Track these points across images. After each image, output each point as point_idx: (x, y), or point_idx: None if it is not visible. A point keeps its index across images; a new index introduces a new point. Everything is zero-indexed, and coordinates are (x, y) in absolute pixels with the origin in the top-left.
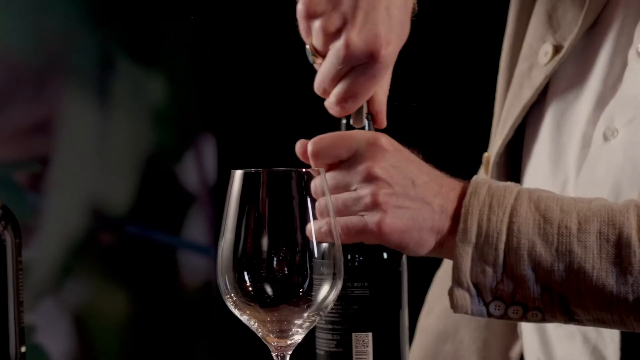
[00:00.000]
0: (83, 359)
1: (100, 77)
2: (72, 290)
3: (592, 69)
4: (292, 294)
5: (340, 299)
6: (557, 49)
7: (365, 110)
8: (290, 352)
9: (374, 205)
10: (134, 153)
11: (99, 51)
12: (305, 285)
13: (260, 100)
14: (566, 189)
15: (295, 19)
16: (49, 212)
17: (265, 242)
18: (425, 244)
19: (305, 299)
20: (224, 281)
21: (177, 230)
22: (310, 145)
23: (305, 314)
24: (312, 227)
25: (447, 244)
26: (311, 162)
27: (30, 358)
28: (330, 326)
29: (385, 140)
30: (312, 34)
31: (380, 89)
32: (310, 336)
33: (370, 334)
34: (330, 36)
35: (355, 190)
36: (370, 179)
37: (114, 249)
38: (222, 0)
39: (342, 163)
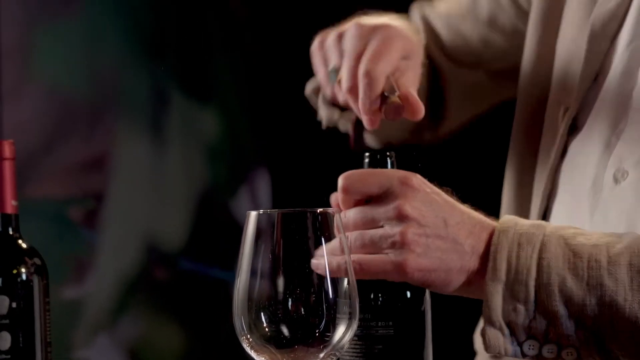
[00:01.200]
0: None
1: (153, 113)
2: (127, 326)
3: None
4: (308, 334)
5: (364, 338)
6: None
7: (394, 84)
8: None
9: (402, 244)
10: (188, 188)
11: (152, 87)
12: (322, 326)
13: (314, 135)
14: None
15: None
16: (104, 248)
17: (280, 283)
18: (452, 284)
19: (321, 340)
20: (240, 322)
21: (232, 265)
22: (341, 180)
23: (322, 355)
24: (325, 263)
25: (475, 282)
26: (340, 197)
27: None
28: None
29: (417, 180)
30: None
31: (405, 78)
32: None
33: None
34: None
35: (383, 227)
36: (400, 217)
37: (169, 284)
38: (273, 36)
39: (372, 199)
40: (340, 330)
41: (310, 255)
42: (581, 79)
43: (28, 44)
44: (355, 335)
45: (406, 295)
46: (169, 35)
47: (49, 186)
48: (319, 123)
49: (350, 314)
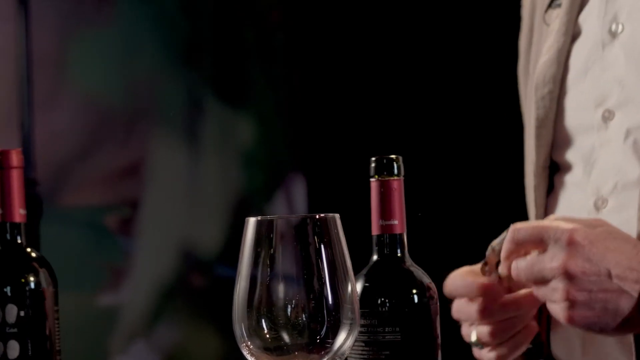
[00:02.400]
0: None
1: (189, 120)
2: (163, 332)
3: None
4: (309, 341)
5: (371, 344)
6: None
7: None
8: None
9: (565, 300)
10: (223, 194)
11: (187, 94)
12: (323, 333)
13: (349, 140)
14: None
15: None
16: (140, 255)
17: (280, 289)
18: (622, 327)
19: (322, 347)
20: (240, 329)
21: None
22: (511, 232)
23: None
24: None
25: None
26: (508, 247)
27: None
28: None
29: (580, 235)
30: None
31: None
32: None
33: None
34: None
35: (550, 281)
36: (565, 275)
37: (205, 290)
38: (308, 42)
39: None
40: (341, 336)
41: (311, 262)
42: None
43: (63, 53)
44: (362, 341)
45: (413, 300)
46: (204, 43)
47: (85, 194)
48: (354, 127)
49: (351, 320)
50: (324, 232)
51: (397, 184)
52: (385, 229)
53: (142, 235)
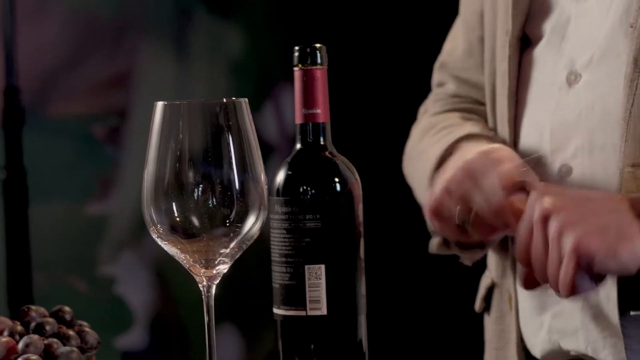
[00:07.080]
0: (163, 309)
1: (177, 30)
2: (152, 242)
3: None
4: (217, 224)
5: (292, 231)
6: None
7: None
8: (216, 282)
9: (562, 231)
10: None
11: (175, 3)
12: (232, 217)
13: (339, 49)
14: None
15: None
16: (128, 165)
17: (189, 174)
18: (631, 241)
19: (230, 230)
20: (149, 212)
21: None
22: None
23: (232, 244)
24: None
25: None
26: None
27: (111, 309)
28: (283, 259)
29: (547, 185)
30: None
31: None
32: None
33: (323, 266)
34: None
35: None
36: (547, 213)
37: None
38: None
39: None
40: (250, 220)
41: (220, 146)
42: None
43: None
44: (283, 228)
45: (335, 188)
46: None
47: (73, 104)
48: (345, 36)
49: (259, 205)
50: (232, 117)
51: (320, 73)
52: (309, 117)
53: (130, 145)
